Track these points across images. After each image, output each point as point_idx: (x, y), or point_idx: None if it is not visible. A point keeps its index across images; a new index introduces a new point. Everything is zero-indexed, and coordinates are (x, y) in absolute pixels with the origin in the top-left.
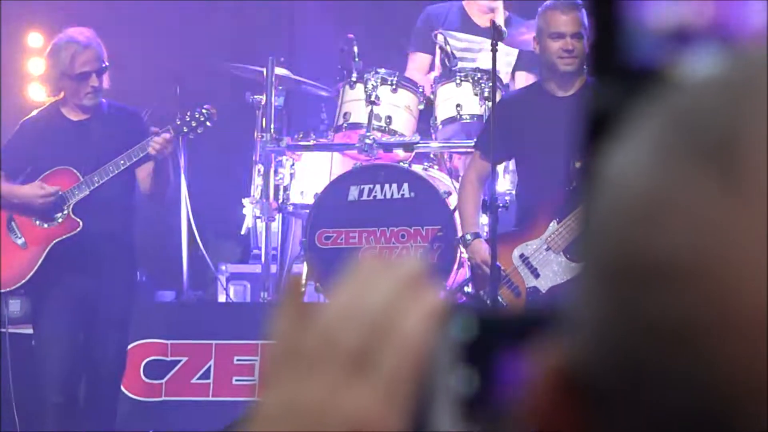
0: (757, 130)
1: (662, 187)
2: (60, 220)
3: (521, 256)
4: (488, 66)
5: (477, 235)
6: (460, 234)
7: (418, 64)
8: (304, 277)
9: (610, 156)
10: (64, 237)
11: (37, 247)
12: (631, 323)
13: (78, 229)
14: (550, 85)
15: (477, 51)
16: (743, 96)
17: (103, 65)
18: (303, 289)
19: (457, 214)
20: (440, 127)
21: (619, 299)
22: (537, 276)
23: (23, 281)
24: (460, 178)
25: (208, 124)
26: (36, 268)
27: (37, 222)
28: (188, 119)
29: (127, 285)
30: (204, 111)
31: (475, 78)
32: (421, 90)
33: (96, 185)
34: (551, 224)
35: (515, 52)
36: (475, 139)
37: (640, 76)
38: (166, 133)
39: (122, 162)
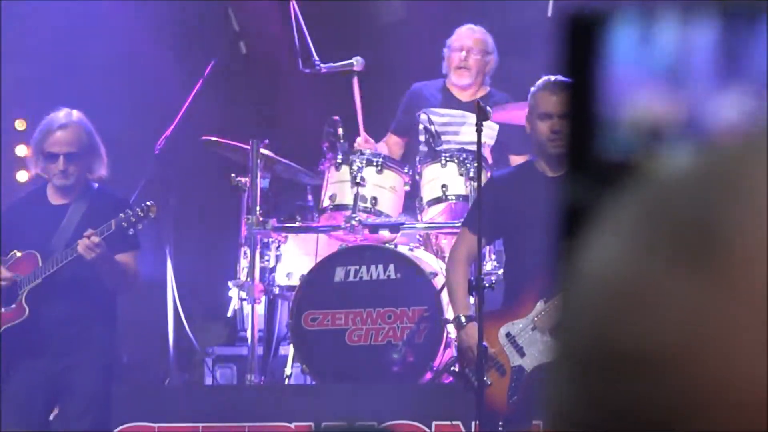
0: (732, 224)
1: (640, 282)
2: (13, 306)
3: (508, 334)
4: (471, 139)
5: (471, 318)
6: (448, 315)
7: (389, 144)
8: (290, 359)
9: (587, 247)
10: (11, 324)
11: None
12: (609, 413)
13: (23, 318)
14: (540, 164)
15: (460, 125)
16: (718, 190)
17: (76, 151)
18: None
19: (444, 294)
20: (426, 207)
21: (598, 390)
22: (522, 355)
23: None
24: (447, 256)
25: (146, 221)
26: None
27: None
28: (130, 214)
29: (100, 367)
30: (145, 206)
31: (461, 158)
32: (406, 170)
33: (47, 273)
34: (538, 303)
35: (496, 126)
36: (463, 218)
37: (614, 170)
38: (94, 237)
39: (72, 253)
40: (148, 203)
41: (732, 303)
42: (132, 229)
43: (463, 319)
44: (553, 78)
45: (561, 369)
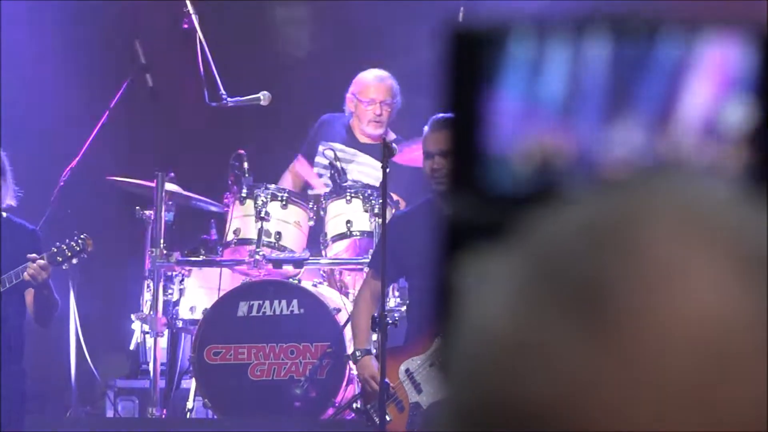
0: (619, 277)
1: (525, 335)
2: None
3: (407, 371)
4: (357, 177)
5: (367, 352)
6: (350, 351)
7: (297, 168)
8: (192, 392)
9: (472, 295)
10: None
11: None
12: None
13: None
14: (438, 202)
15: (348, 162)
16: (606, 242)
17: None
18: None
19: (347, 330)
20: (330, 243)
21: None
22: (420, 392)
23: None
24: (351, 294)
25: (83, 255)
26: None
27: None
28: (64, 248)
29: (18, 403)
30: (80, 240)
31: (366, 194)
32: (311, 205)
33: None
34: (436, 340)
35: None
36: (367, 257)
37: (501, 205)
38: (41, 260)
39: (14, 279)
40: (83, 236)
41: (618, 359)
42: (66, 264)
43: (357, 353)
44: (439, 116)
45: (448, 409)
